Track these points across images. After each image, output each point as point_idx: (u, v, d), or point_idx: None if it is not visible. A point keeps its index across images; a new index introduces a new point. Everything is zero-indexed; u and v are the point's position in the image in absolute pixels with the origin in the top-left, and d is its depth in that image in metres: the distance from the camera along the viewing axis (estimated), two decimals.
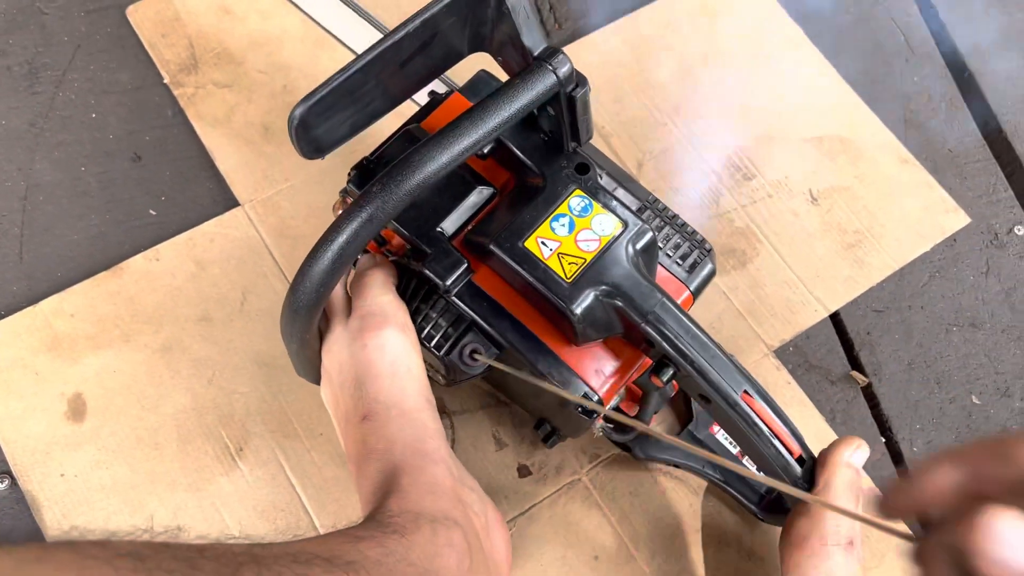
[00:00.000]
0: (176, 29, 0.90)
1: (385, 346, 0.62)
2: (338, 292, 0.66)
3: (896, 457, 0.81)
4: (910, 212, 0.90)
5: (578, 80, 0.60)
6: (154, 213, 0.83)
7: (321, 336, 0.66)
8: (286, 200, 0.84)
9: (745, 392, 0.64)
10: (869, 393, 0.83)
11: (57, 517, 0.71)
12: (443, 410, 0.77)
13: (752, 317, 0.84)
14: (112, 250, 0.81)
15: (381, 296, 0.64)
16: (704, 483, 0.77)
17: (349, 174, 0.69)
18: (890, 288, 0.87)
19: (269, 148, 0.86)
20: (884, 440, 0.81)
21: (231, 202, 0.84)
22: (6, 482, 0.72)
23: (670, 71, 0.94)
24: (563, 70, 0.58)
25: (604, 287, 0.61)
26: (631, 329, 0.63)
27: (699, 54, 0.95)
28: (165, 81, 0.88)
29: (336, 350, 0.64)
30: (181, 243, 0.82)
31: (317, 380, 0.68)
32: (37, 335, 0.77)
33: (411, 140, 0.69)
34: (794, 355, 0.83)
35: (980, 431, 0.83)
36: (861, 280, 0.87)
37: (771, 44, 0.97)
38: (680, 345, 0.61)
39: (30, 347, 0.76)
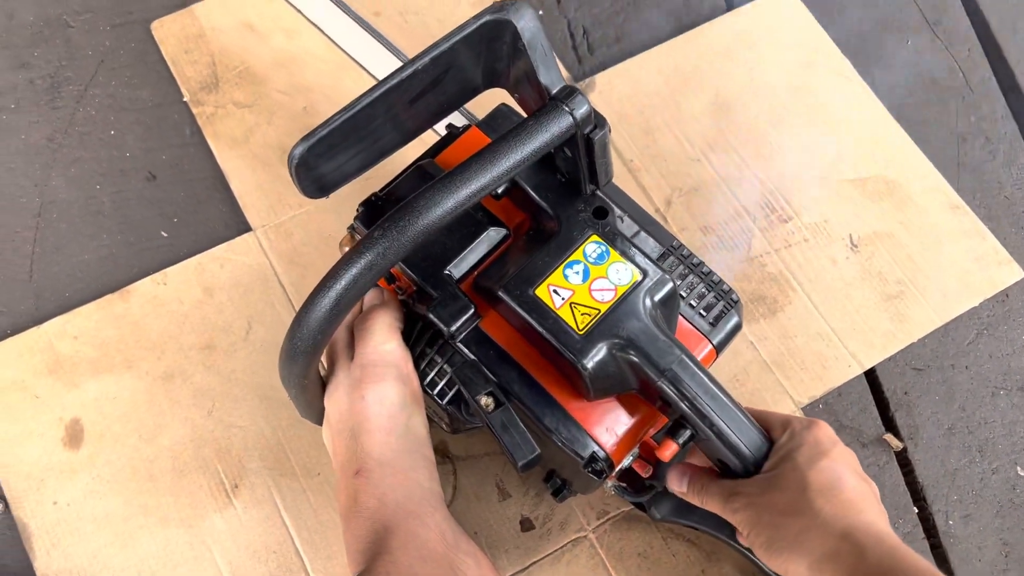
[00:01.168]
0: (199, 46, 0.89)
1: (384, 399, 0.59)
2: (341, 335, 0.63)
3: (929, 530, 0.75)
4: (958, 263, 0.84)
5: (596, 121, 0.56)
6: (165, 235, 0.82)
7: (324, 378, 0.63)
8: (299, 227, 0.82)
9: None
10: (903, 458, 0.78)
11: (47, 546, 0.70)
12: (446, 454, 0.74)
13: (780, 370, 0.79)
14: (121, 272, 0.80)
15: (384, 344, 0.61)
16: (718, 547, 0.72)
17: (357, 210, 0.66)
18: (932, 345, 0.81)
19: (286, 172, 0.83)
20: (917, 510, 0.76)
21: (243, 226, 0.82)
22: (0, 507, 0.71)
23: (705, 103, 0.89)
24: (580, 111, 0.54)
25: (618, 341, 0.57)
26: (646, 386, 0.59)
27: (737, 86, 0.90)
28: (185, 99, 0.87)
29: (336, 397, 0.61)
30: (190, 267, 0.80)
31: (319, 422, 0.65)
32: (40, 357, 0.76)
33: (422, 176, 0.66)
34: (824, 413, 0.78)
35: None
36: (901, 335, 0.81)
37: (816, 77, 0.91)
38: (699, 406, 0.57)
39: (32, 369, 0.75)
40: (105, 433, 0.74)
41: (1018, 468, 0.78)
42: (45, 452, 0.73)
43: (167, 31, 0.90)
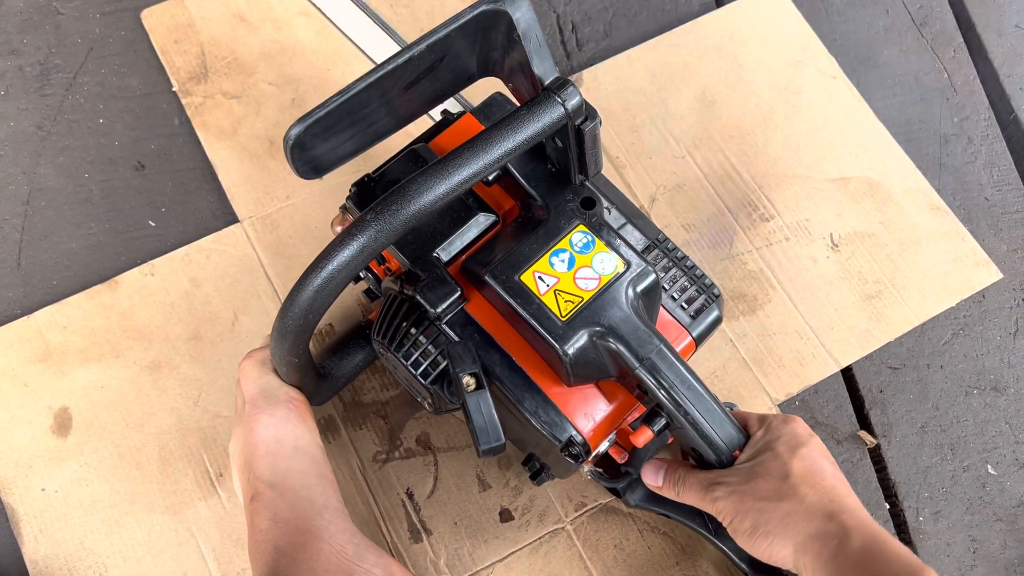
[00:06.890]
0: (189, 36, 0.89)
1: (269, 426, 0.62)
2: (243, 374, 0.66)
3: (900, 526, 0.77)
4: (937, 264, 0.85)
5: (587, 113, 0.57)
6: (153, 224, 0.82)
7: (315, 363, 0.65)
8: (286, 218, 0.83)
9: (740, 451, 0.62)
10: (877, 455, 0.79)
11: (34, 532, 0.71)
12: (428, 446, 0.76)
13: (758, 367, 0.80)
14: (109, 261, 0.81)
15: (260, 379, 0.64)
16: (692, 541, 0.74)
17: (350, 190, 0.67)
18: (909, 344, 0.83)
19: (273, 163, 0.85)
20: (888, 507, 0.78)
21: (231, 217, 0.83)
22: None
23: (691, 101, 0.90)
24: (572, 102, 0.55)
25: (599, 328, 0.59)
26: (625, 374, 0.60)
27: (724, 84, 0.91)
28: (174, 89, 0.87)
29: (235, 435, 0.65)
30: (177, 258, 0.81)
31: (314, 404, 0.68)
32: (29, 346, 0.77)
33: (415, 160, 0.67)
34: (800, 410, 0.80)
35: (994, 504, 0.78)
36: (878, 334, 0.82)
37: (803, 77, 0.92)
38: (675, 395, 0.59)
39: (22, 357, 0.76)
40: (93, 421, 0.75)
41: (988, 466, 0.79)
42: (34, 439, 0.74)
43: (157, 20, 0.90)
